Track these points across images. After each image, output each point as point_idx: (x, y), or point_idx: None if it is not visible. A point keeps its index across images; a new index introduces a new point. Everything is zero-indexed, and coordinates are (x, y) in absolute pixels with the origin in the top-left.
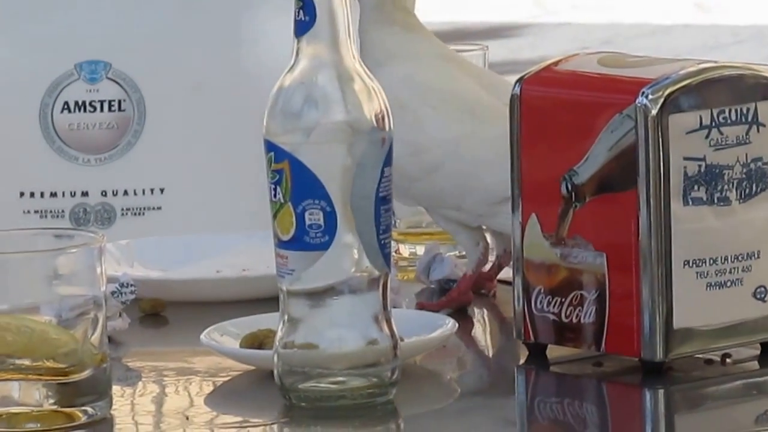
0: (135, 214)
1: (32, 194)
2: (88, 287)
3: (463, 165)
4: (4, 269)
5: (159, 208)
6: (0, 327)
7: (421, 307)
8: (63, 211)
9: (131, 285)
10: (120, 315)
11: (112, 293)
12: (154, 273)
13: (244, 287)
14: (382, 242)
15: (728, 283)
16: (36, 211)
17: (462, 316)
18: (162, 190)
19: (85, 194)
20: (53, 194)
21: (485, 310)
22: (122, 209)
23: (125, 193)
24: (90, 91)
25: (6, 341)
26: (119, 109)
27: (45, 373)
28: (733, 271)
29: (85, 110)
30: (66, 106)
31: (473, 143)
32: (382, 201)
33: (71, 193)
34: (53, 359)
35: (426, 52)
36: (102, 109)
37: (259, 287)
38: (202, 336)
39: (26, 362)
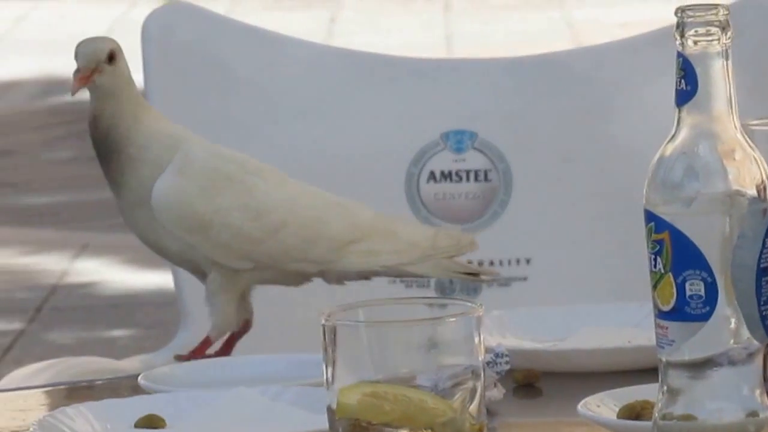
0: (501, 284)
1: None
2: (466, 357)
3: (306, 219)
4: (382, 339)
5: (525, 278)
6: (378, 396)
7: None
8: (428, 281)
9: (506, 355)
10: (495, 385)
11: (488, 363)
12: (528, 344)
13: (619, 358)
14: (763, 313)
15: None
16: (402, 281)
17: None
18: (528, 261)
19: None
20: None
21: None
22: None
23: (491, 263)
24: (456, 160)
25: (384, 410)
26: (485, 179)
27: None
28: None
29: (451, 180)
30: (432, 176)
31: (309, 198)
32: (764, 272)
33: None
34: (431, 429)
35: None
36: (468, 179)
37: (635, 358)
38: (579, 406)
39: (404, 431)
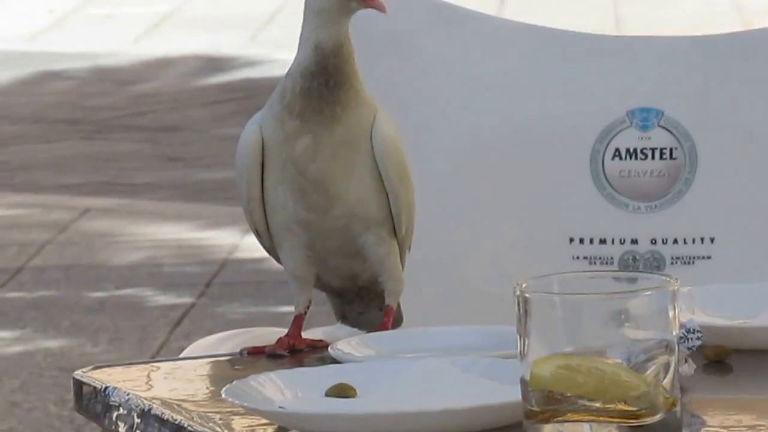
0: (684, 262)
1: (581, 240)
2: (660, 331)
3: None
4: (577, 311)
5: (709, 257)
6: (571, 368)
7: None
8: (612, 258)
9: (698, 331)
10: (686, 361)
11: (679, 338)
12: (718, 320)
13: None
14: None
15: None
16: (585, 257)
17: None
18: (712, 240)
19: (634, 242)
20: (602, 241)
21: None
22: (672, 258)
23: (675, 241)
24: (642, 138)
25: (577, 382)
26: (671, 157)
27: (616, 415)
28: None
29: (636, 158)
30: (617, 153)
31: None
32: None
33: (620, 240)
34: (625, 402)
35: None
36: (653, 157)
37: None
38: None
39: (597, 404)
